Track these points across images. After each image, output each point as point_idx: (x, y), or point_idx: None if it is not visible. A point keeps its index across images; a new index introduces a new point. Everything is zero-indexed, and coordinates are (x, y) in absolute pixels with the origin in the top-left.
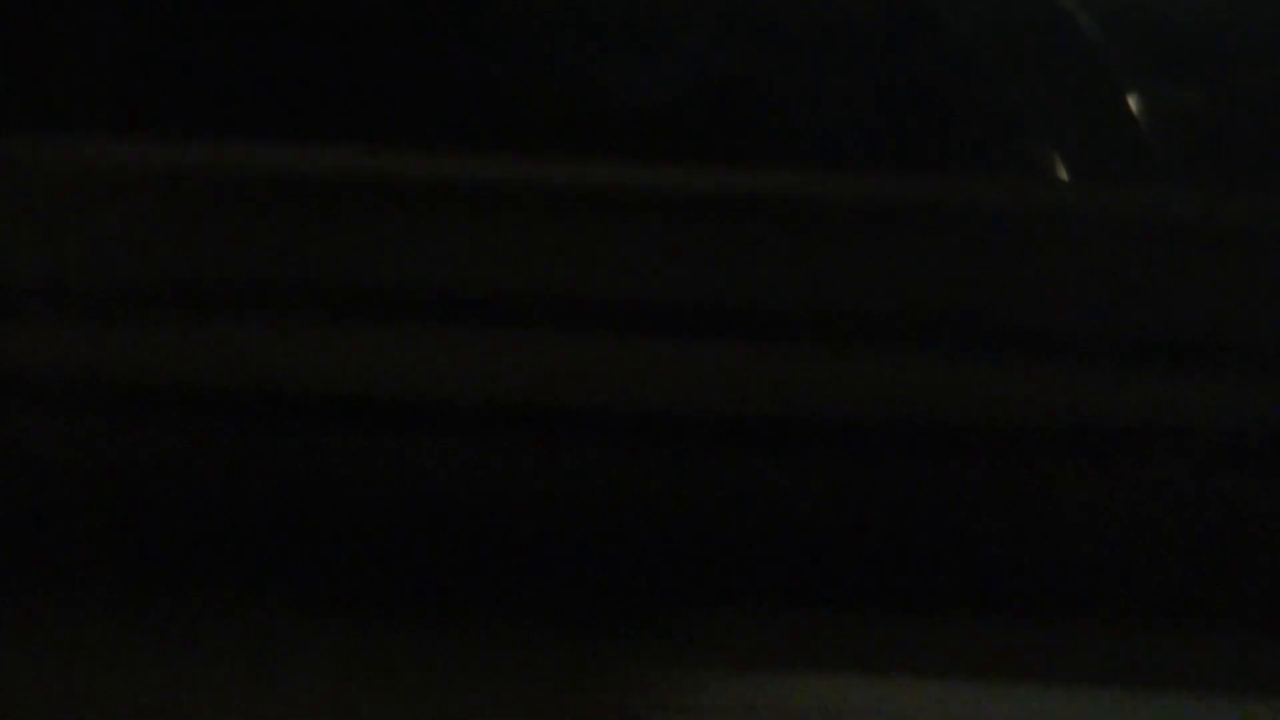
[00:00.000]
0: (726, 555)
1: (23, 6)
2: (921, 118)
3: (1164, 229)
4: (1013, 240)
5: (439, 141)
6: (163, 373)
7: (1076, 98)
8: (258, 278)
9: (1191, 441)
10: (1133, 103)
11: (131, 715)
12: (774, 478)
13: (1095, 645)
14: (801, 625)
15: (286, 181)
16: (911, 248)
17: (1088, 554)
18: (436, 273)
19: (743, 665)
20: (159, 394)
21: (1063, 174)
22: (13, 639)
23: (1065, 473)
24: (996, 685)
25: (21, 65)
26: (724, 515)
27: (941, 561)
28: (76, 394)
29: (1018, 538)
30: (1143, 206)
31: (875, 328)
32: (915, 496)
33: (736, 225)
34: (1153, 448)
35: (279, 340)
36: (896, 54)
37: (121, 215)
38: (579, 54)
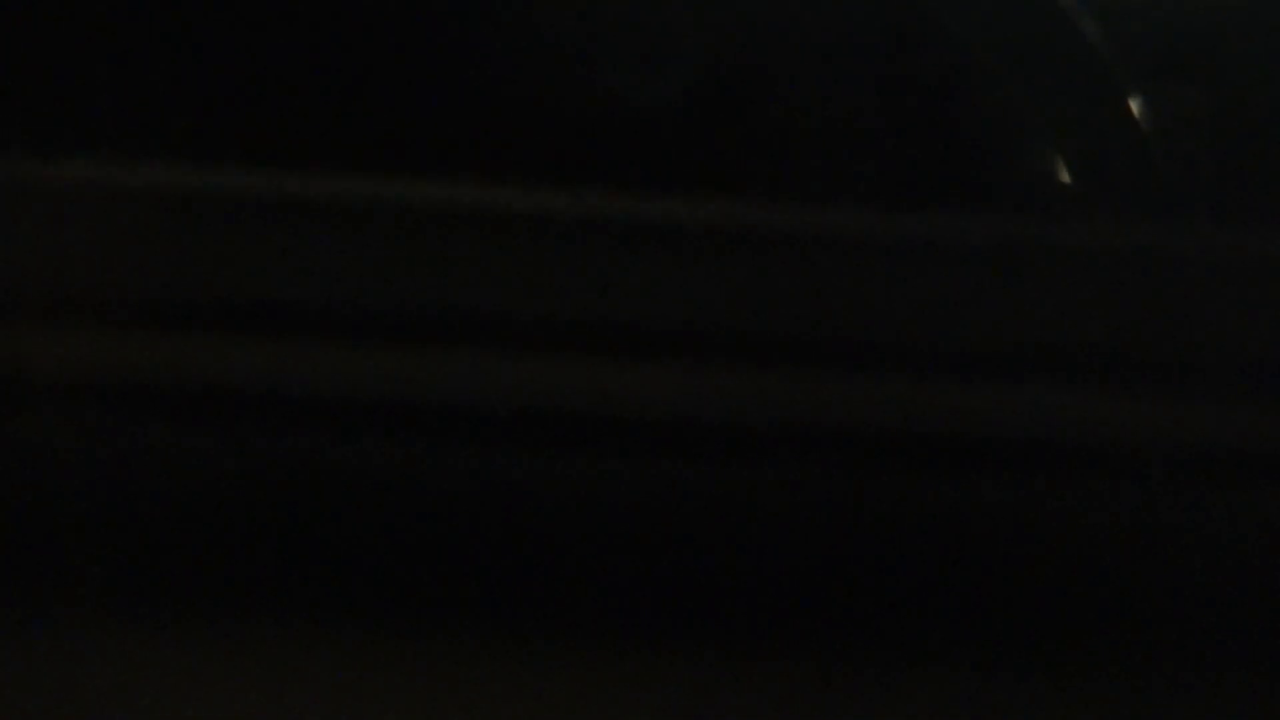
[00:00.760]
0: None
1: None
2: (921, 122)
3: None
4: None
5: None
6: (164, 379)
7: (1078, 101)
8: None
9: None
10: (1135, 105)
11: (131, 715)
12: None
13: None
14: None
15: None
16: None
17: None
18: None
19: None
20: (160, 399)
21: (1064, 177)
22: (12, 639)
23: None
24: None
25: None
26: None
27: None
28: (82, 398)
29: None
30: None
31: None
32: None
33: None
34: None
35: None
36: (895, 57)
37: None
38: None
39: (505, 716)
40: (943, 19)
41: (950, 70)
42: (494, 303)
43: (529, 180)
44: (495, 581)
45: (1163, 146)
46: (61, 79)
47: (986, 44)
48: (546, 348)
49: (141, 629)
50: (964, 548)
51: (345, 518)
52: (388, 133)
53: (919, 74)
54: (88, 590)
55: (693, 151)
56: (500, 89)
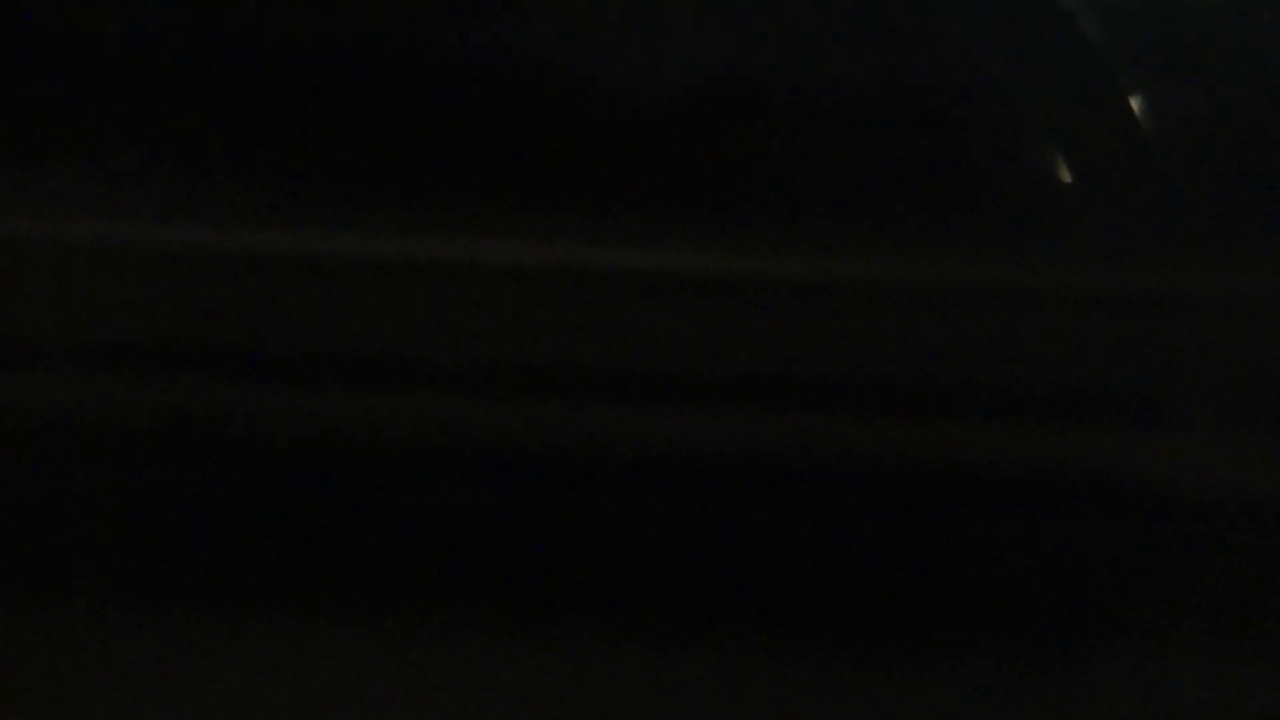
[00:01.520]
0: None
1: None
2: (921, 124)
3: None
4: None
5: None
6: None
7: (1079, 100)
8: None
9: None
10: (1135, 105)
11: (131, 715)
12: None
13: None
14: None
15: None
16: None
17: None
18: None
19: None
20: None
21: (1065, 178)
22: (12, 639)
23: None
24: None
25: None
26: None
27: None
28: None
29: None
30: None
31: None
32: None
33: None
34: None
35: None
36: (891, 54)
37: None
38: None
39: (506, 716)
40: (942, 20)
41: (950, 71)
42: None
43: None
44: (497, 586)
45: (1163, 147)
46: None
47: (986, 44)
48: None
49: (140, 630)
50: (961, 579)
51: (345, 518)
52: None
53: (918, 74)
54: (87, 591)
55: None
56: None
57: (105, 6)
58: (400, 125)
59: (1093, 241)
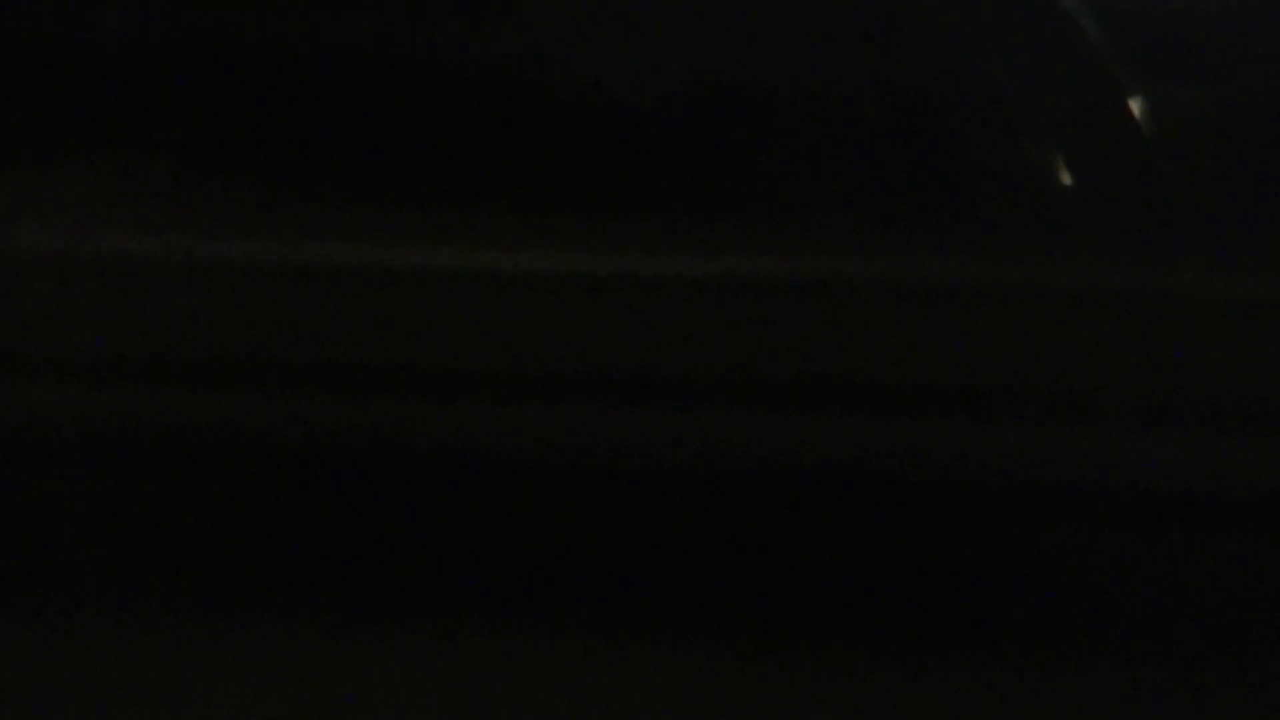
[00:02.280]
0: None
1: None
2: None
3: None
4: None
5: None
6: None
7: (1078, 101)
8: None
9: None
10: (1135, 105)
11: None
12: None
13: None
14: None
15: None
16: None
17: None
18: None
19: None
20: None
21: (1065, 179)
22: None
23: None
24: None
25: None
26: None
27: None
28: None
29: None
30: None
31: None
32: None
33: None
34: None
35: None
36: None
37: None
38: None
39: (506, 716)
40: (940, 20)
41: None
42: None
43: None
44: (497, 586)
45: (1163, 147)
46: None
47: (985, 45)
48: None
49: (141, 632)
50: (958, 584)
51: (344, 518)
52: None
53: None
54: (88, 591)
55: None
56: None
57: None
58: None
59: (1091, 241)
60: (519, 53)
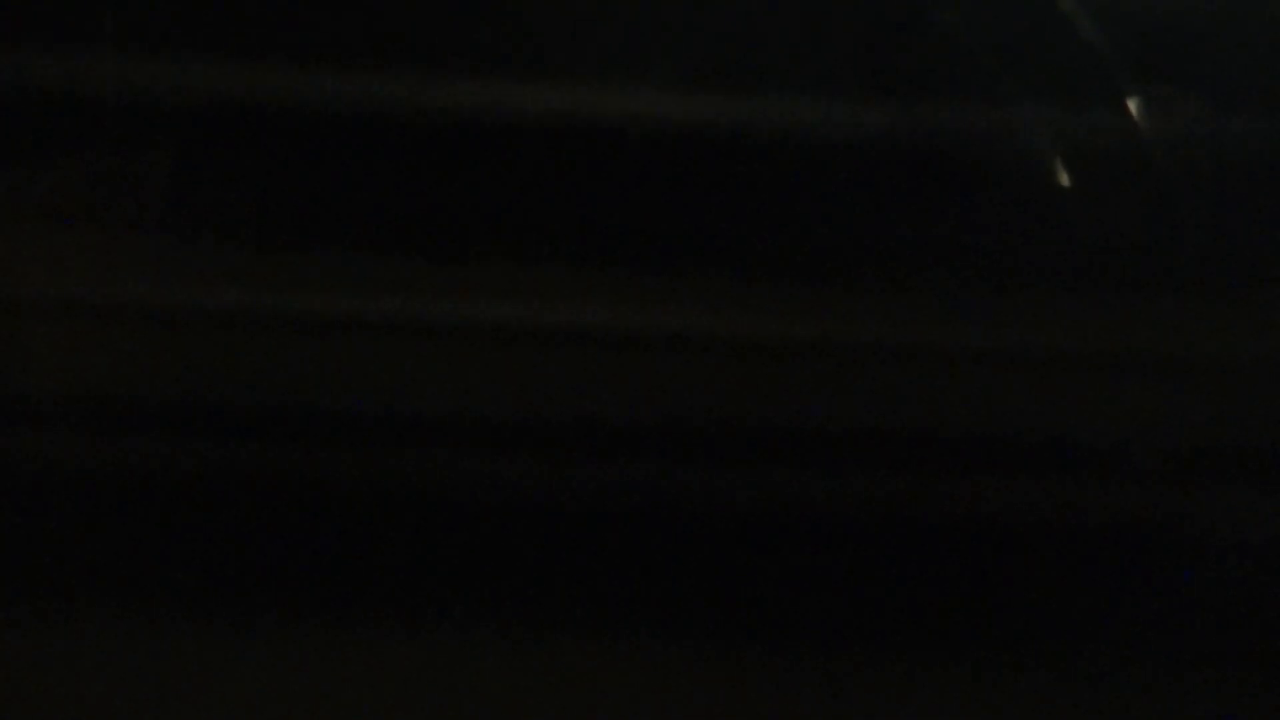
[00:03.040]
0: None
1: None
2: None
3: None
4: None
5: None
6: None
7: (1077, 102)
8: None
9: None
10: (1134, 105)
11: (131, 714)
12: None
13: None
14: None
15: None
16: None
17: None
18: None
19: None
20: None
21: (1065, 179)
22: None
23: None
24: None
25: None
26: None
27: None
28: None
29: None
30: None
31: None
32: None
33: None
34: None
35: None
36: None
37: None
38: None
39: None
40: (938, 20)
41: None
42: None
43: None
44: (496, 583)
45: (1162, 147)
46: None
47: (984, 45)
48: None
49: (140, 631)
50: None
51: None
52: None
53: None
54: (88, 596)
55: None
56: None
57: None
58: None
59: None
60: None
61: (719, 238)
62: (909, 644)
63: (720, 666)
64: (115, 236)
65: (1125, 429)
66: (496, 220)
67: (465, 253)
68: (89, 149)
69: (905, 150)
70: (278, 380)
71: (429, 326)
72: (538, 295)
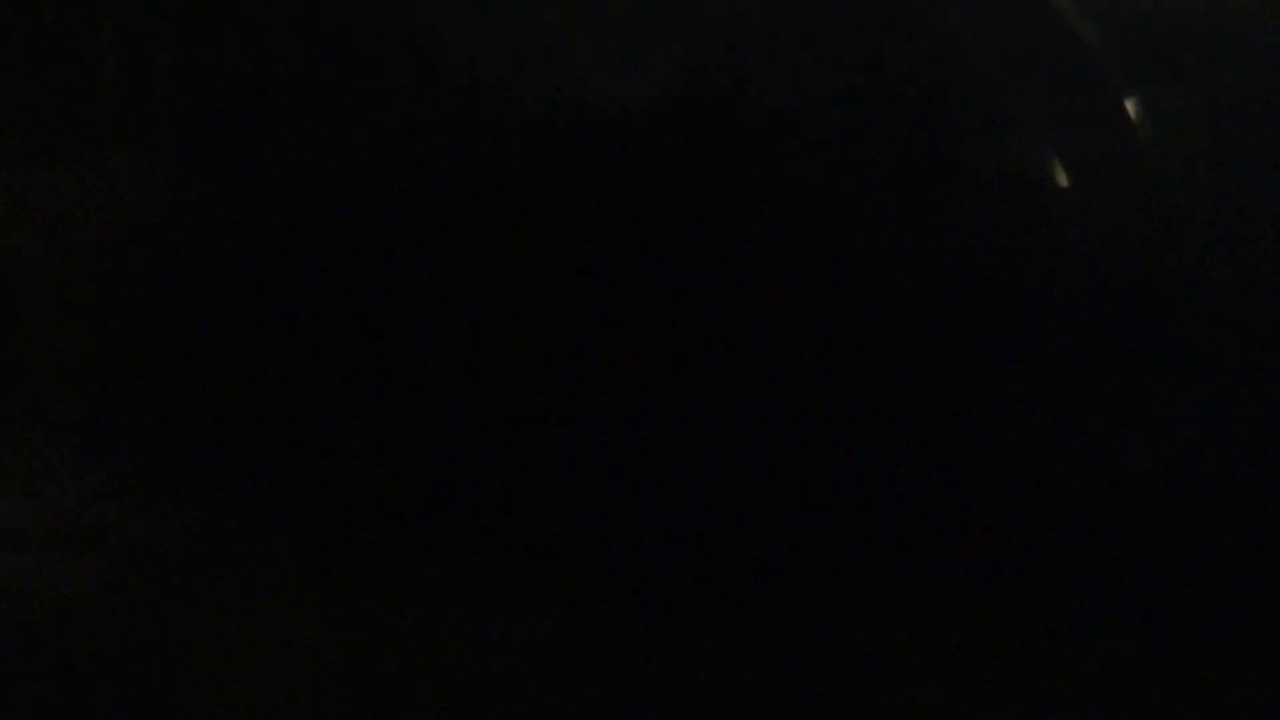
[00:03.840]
0: None
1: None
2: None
3: None
4: None
5: None
6: None
7: (1074, 102)
8: None
9: None
10: (1132, 105)
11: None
12: None
13: None
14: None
15: None
16: None
17: None
18: None
19: None
20: None
21: (1062, 181)
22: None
23: None
24: None
25: None
26: None
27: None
28: None
29: None
30: None
31: None
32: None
33: None
34: None
35: None
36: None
37: None
38: None
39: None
40: (935, 20)
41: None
42: None
43: None
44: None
45: (1160, 147)
46: None
47: (980, 46)
48: None
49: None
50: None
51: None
52: None
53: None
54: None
55: None
56: None
57: None
58: None
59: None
60: None
61: None
62: (909, 644)
63: (720, 667)
64: None
65: None
66: None
67: None
68: None
69: None
70: None
71: None
72: None
